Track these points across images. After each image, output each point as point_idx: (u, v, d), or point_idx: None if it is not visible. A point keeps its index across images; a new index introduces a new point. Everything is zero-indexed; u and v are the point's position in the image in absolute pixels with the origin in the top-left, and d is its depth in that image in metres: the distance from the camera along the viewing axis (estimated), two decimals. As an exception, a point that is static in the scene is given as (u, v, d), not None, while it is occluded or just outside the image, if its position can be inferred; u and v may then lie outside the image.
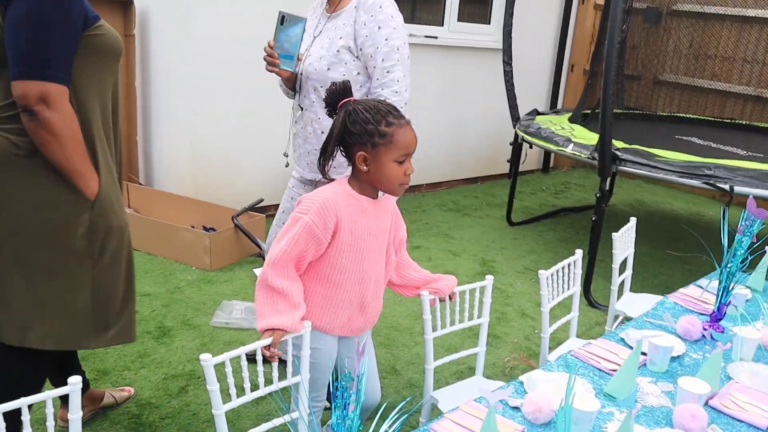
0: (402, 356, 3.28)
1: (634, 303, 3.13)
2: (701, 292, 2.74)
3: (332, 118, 1.92)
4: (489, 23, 6.33)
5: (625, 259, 3.16)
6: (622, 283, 3.17)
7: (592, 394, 1.96)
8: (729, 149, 4.74)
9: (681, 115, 6.27)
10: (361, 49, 2.43)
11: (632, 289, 3.30)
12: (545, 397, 1.80)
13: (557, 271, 2.54)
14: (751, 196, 2.42)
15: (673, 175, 3.72)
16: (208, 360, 1.67)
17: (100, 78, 2.03)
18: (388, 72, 2.44)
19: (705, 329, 2.40)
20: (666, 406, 1.94)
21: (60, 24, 1.85)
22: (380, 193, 1.99)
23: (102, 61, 2.03)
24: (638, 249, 5.00)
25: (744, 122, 6.09)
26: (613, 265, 2.96)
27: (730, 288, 2.38)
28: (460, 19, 6.04)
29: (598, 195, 3.82)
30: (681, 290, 2.82)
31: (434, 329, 2.26)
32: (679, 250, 5.07)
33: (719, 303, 2.40)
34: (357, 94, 2.44)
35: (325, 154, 1.91)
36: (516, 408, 1.85)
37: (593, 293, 4.01)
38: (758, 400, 2.01)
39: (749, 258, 2.36)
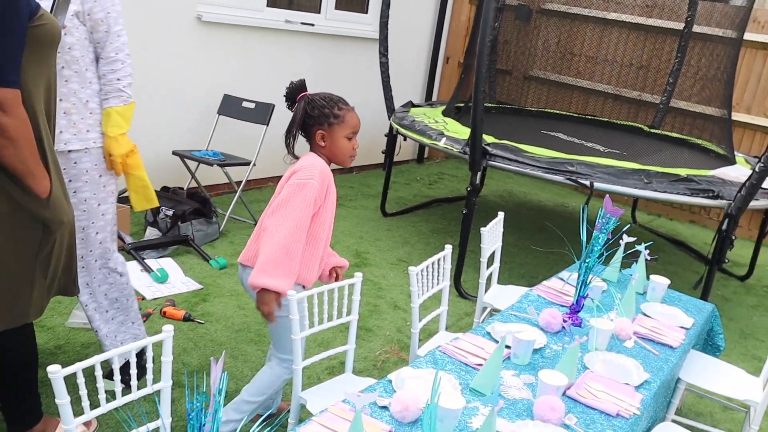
0: (274, 352, 3.21)
1: (501, 295, 3.23)
2: (562, 285, 2.88)
3: (291, 110, 2.35)
4: (366, 12, 6.32)
5: (493, 252, 3.26)
6: (491, 275, 3.27)
7: (458, 390, 2.00)
8: (590, 145, 5.01)
9: (548, 110, 6.55)
10: (89, 14, 2.39)
11: (500, 280, 3.41)
12: (413, 396, 1.81)
13: (427, 267, 2.57)
14: (607, 195, 2.55)
15: (539, 170, 3.87)
16: (56, 372, 1.54)
17: (42, 70, 1.96)
18: (119, 36, 2.46)
19: (565, 321, 2.51)
20: (527, 399, 2.01)
21: (10, 21, 1.77)
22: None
23: (45, 52, 1.96)
24: (506, 240, 5.21)
25: (604, 119, 6.45)
26: (481, 259, 3.04)
27: (588, 281, 2.51)
28: (338, 6, 5.99)
29: (468, 189, 3.91)
30: (544, 282, 2.94)
31: (303, 328, 2.21)
32: (543, 241, 5.31)
33: (578, 296, 2.52)
34: (86, 59, 2.43)
35: (290, 136, 2.36)
36: (384, 407, 1.85)
37: (463, 284, 4.12)
38: (610, 388, 2.13)
39: (605, 254, 2.49)
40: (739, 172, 4.35)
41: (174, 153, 4.62)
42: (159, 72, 4.70)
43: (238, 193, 4.67)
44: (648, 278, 2.99)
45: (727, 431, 3.16)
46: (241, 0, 5.14)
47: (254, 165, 4.73)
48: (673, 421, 2.81)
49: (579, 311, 2.54)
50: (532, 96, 7.28)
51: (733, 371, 2.90)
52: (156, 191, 4.43)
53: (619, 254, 3.06)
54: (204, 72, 4.97)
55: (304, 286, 2.37)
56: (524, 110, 6.37)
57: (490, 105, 6.17)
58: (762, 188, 4.08)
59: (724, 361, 2.99)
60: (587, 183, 3.71)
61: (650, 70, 6.86)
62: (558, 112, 6.52)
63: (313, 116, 2.31)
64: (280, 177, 5.79)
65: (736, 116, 6.34)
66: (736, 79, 6.37)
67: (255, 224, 4.71)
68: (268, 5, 5.34)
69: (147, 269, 3.80)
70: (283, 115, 5.56)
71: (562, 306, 2.69)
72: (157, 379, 1.81)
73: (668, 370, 2.37)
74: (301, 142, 2.38)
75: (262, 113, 4.83)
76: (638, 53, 6.89)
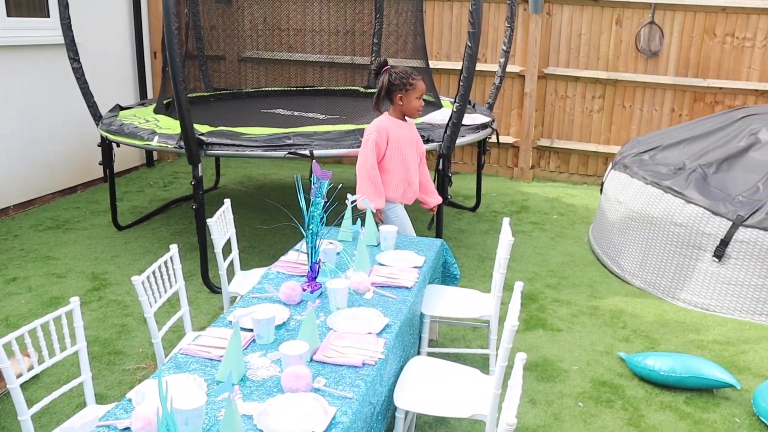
0: (7, 410, 2.87)
1: (245, 281, 3.18)
2: (297, 256, 2.91)
3: (377, 79, 3.44)
4: (48, 16, 5.74)
5: (229, 240, 3.19)
6: (232, 263, 3.20)
7: (204, 388, 1.93)
8: (311, 115, 5.11)
9: (268, 89, 6.55)
10: None
11: (249, 265, 3.36)
12: (153, 409, 1.71)
13: (153, 273, 2.44)
14: (314, 161, 2.60)
15: (258, 150, 3.85)
16: None
17: None
18: None
19: (304, 290, 2.54)
20: (276, 376, 2.00)
21: None
22: (407, 119, 3.54)
23: None
24: (252, 223, 5.17)
25: (323, 88, 6.63)
26: (215, 251, 2.96)
27: (317, 246, 2.55)
28: (11, 13, 5.36)
29: (193, 183, 3.78)
30: (282, 258, 2.95)
31: (19, 375, 1.98)
32: (288, 218, 5.34)
33: (311, 263, 2.56)
34: None
35: (379, 98, 3.44)
36: (127, 429, 1.73)
37: (213, 279, 4.00)
38: (355, 342, 2.20)
39: (325, 215, 2.54)
40: (444, 115, 4.72)
41: None
42: None
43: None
44: (378, 230, 3.13)
45: (479, 347, 3.46)
46: None
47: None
48: (429, 354, 3.00)
49: (316, 277, 2.59)
50: (250, 77, 7.23)
51: (469, 294, 3.17)
52: None
53: (348, 213, 3.16)
54: None
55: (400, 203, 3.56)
56: (243, 93, 6.32)
57: (205, 94, 6.02)
58: (464, 125, 4.48)
59: (462, 288, 3.25)
60: (307, 152, 3.77)
61: (356, 34, 7.16)
62: (278, 89, 6.55)
63: (395, 84, 3.37)
64: (18, 204, 5.16)
65: (439, 64, 6.89)
66: (432, 32, 6.91)
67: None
68: None
69: None
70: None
71: (302, 276, 2.72)
72: None
73: (407, 310, 2.51)
74: None
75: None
76: (342, 20, 7.15)
